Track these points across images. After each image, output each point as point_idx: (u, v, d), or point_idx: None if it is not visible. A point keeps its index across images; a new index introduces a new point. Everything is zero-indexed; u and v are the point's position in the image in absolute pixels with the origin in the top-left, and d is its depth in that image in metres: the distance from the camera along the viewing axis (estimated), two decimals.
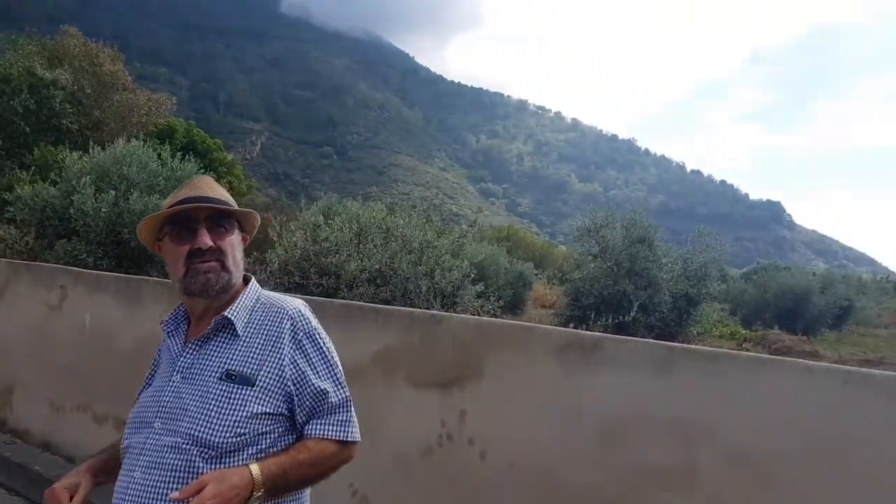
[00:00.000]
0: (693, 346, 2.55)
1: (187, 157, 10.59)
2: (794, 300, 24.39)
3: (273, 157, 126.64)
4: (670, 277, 13.43)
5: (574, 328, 11.29)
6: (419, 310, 3.23)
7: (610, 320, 10.78)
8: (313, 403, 1.49)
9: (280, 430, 1.47)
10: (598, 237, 13.99)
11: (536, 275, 21.37)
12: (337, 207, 9.27)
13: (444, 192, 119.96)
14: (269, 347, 1.49)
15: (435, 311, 3.25)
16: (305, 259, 6.64)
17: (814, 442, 2.12)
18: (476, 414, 2.68)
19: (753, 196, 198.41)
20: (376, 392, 2.93)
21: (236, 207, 1.59)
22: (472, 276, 7.68)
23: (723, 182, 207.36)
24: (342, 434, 1.50)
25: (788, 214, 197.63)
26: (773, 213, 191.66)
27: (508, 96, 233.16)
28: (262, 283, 1.66)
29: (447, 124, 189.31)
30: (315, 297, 3.61)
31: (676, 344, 2.57)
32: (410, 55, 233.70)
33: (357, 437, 1.54)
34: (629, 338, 2.58)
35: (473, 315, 7.23)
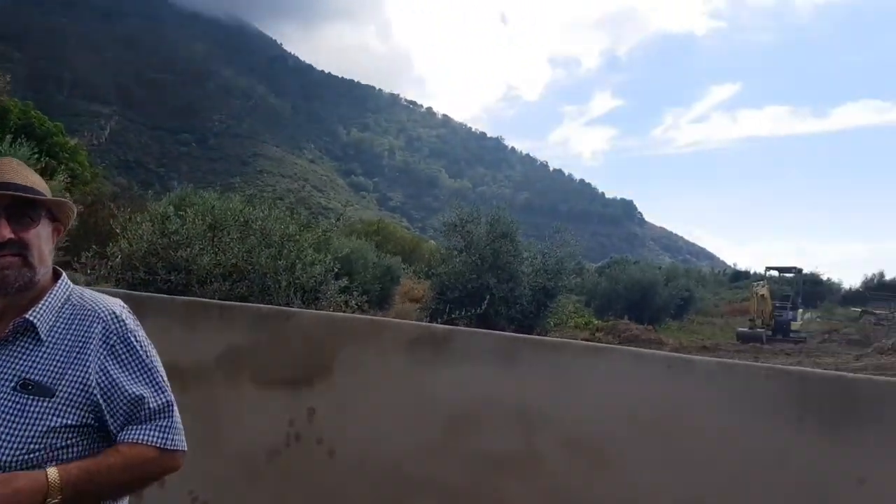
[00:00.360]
0: (536, 337, 2.65)
1: (20, 140, 9.58)
2: (642, 292, 26.41)
3: (124, 143, 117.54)
4: (530, 271, 14.01)
5: (438, 322, 11.46)
6: (268, 306, 3.11)
7: (473, 313, 11.06)
8: (129, 410, 1.37)
9: (85, 442, 1.35)
10: (464, 232, 14.32)
11: (405, 269, 21.50)
12: (192, 198, 8.78)
13: (313, 185, 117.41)
14: (75, 353, 1.35)
15: (285, 308, 3.15)
16: (153, 253, 6.19)
17: (642, 424, 2.27)
18: (325, 412, 2.62)
19: (609, 195, 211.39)
20: (220, 394, 2.79)
21: (44, 195, 1.42)
22: (337, 270, 7.55)
23: (582, 181, 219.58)
24: (161, 440, 1.38)
25: (639, 212, 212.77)
26: (626, 210, 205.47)
27: (380, 89, 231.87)
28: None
29: (317, 115, 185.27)
30: (157, 295, 3.37)
31: (522, 335, 2.66)
32: (278, 42, 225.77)
33: (181, 445, 1.43)
34: (478, 330, 2.64)
35: (337, 311, 7.12)
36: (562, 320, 16.14)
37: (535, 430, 2.36)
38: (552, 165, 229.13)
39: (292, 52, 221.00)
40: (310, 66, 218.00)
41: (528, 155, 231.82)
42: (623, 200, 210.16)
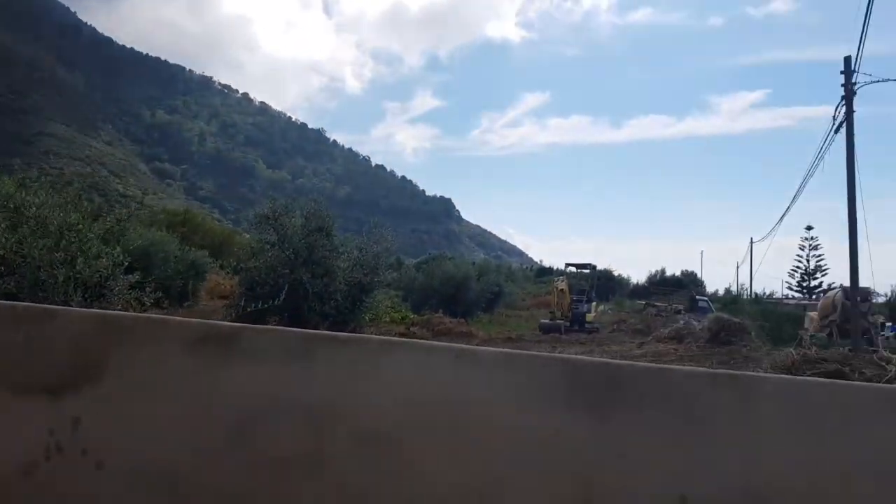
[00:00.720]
0: (332, 333, 2.61)
1: None
2: (456, 286, 27.48)
3: None
4: (347, 266, 13.92)
5: (232, 318, 10.97)
6: (24, 304, 2.75)
7: (274, 304, 10.72)
8: None
9: None
10: (277, 225, 13.85)
11: (213, 264, 20.35)
12: None
13: (110, 170, 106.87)
14: None
15: (47, 305, 2.80)
16: None
17: (431, 414, 2.32)
18: (93, 420, 2.36)
19: (429, 192, 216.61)
20: None
21: None
22: (128, 264, 6.92)
23: (403, 178, 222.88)
24: None
25: (457, 210, 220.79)
26: (445, 208, 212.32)
27: (191, 71, 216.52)
28: None
29: (116, 94, 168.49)
30: None
31: (316, 331, 2.61)
32: (72, 10, 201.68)
33: None
34: (269, 327, 2.55)
35: (127, 309, 6.53)
36: (377, 315, 16.24)
37: (326, 428, 2.32)
38: (375, 161, 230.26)
39: (88, 23, 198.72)
40: (109, 40, 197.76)
41: (350, 149, 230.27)
42: (442, 198, 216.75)
